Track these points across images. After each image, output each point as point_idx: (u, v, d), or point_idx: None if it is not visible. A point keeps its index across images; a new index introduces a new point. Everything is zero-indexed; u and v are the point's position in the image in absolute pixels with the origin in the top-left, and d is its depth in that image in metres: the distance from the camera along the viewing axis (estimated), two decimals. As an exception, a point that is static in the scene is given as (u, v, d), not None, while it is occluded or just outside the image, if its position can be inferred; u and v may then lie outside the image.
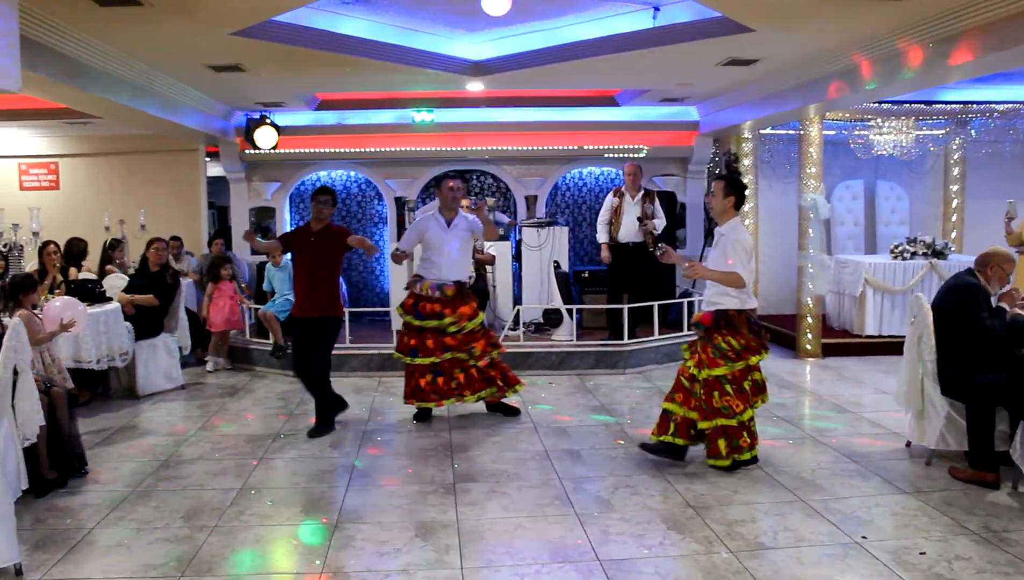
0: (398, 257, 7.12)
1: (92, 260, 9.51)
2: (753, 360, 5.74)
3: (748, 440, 5.72)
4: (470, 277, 8.71)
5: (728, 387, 5.67)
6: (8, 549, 4.09)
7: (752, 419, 5.78)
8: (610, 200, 9.37)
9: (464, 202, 9.36)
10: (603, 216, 9.39)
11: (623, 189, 9.31)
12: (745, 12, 6.30)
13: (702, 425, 5.72)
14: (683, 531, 4.70)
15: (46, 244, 8.29)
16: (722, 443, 5.67)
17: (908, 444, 6.22)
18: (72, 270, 8.78)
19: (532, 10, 7.10)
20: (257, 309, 9.50)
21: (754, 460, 5.83)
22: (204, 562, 4.36)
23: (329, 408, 6.89)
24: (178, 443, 6.59)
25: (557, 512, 5.02)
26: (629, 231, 9.18)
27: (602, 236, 9.37)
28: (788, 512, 4.98)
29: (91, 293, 7.80)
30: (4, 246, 7.90)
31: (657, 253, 6.19)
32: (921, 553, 4.35)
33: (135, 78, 7.88)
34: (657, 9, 6.69)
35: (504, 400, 7.37)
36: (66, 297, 7.01)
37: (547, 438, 6.64)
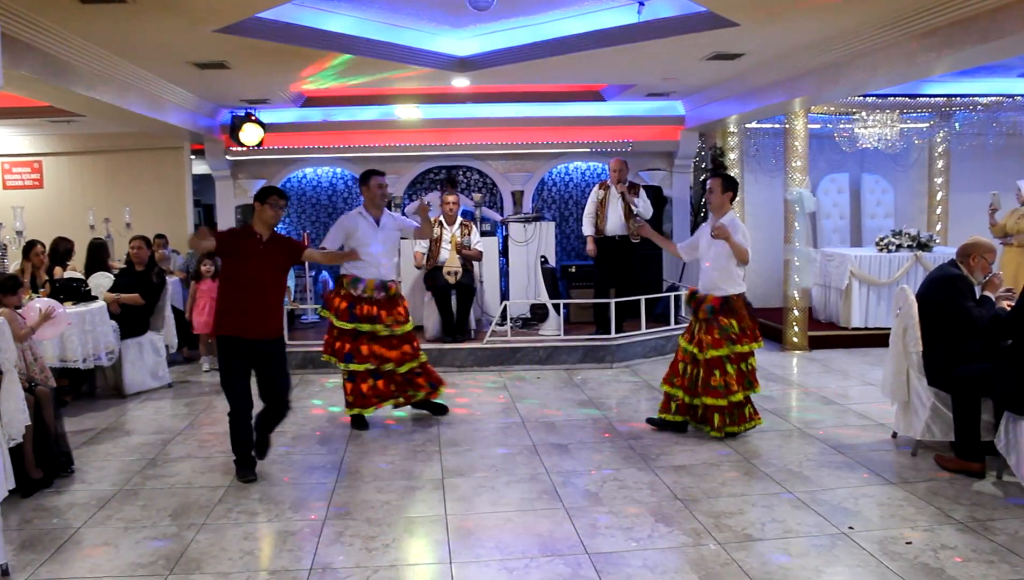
0: (334, 257, 6.75)
1: (78, 259, 9.46)
2: (748, 347, 6.30)
3: (745, 415, 6.38)
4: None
5: (729, 367, 6.24)
6: (-5, 549, 4.08)
7: (748, 399, 6.39)
8: (596, 193, 9.38)
9: (451, 198, 9.40)
10: (589, 209, 9.41)
11: (609, 182, 9.32)
12: (729, 6, 6.31)
13: (690, 400, 6.41)
14: (671, 524, 4.72)
15: (32, 244, 8.24)
16: (717, 418, 6.30)
17: (894, 435, 6.26)
18: (57, 269, 8.74)
19: (517, 5, 7.09)
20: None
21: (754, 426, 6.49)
22: (192, 560, 4.35)
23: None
24: (165, 441, 6.57)
25: (545, 506, 5.03)
26: (615, 224, 9.19)
27: (588, 229, 9.38)
28: (775, 504, 5.01)
29: (76, 292, 7.77)
30: None
31: (635, 224, 6.67)
32: (907, 543, 4.38)
33: (119, 76, 7.83)
34: (642, 4, 6.69)
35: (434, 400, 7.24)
36: (47, 298, 6.96)
37: (535, 433, 6.65)
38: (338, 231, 6.79)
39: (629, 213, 9.15)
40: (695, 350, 6.36)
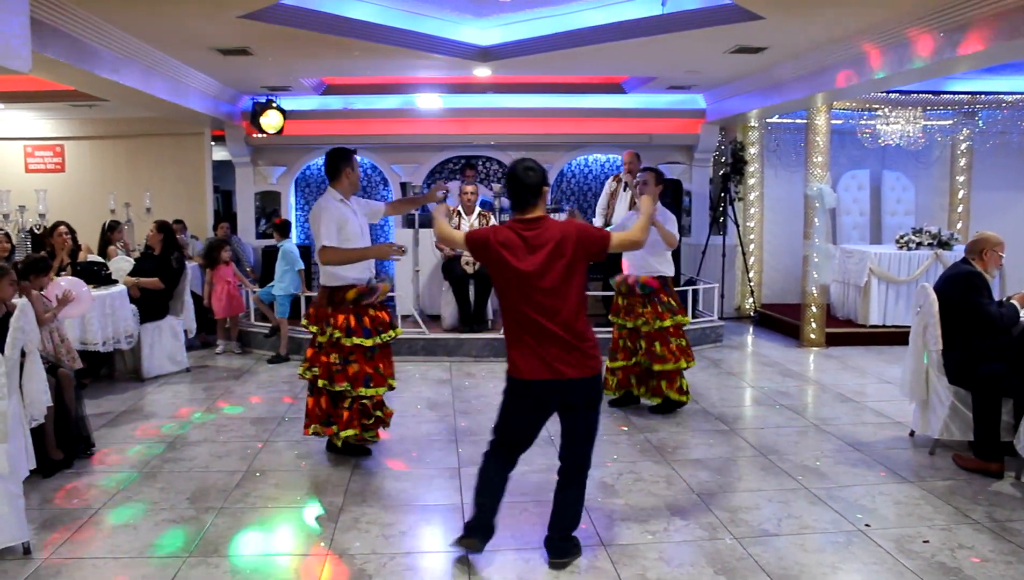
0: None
1: (93, 242, 9.52)
2: (683, 319, 6.90)
3: (684, 386, 6.94)
4: None
5: (670, 339, 6.77)
6: (17, 528, 4.13)
7: (682, 375, 6.94)
8: (609, 185, 9.39)
9: (469, 188, 9.40)
10: (602, 201, 9.42)
11: (621, 175, 9.32)
12: (755, -1, 6.29)
13: (657, 367, 6.79)
14: (687, 517, 4.72)
15: (56, 225, 8.29)
16: (664, 384, 6.85)
17: (912, 433, 6.23)
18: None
19: (540, -5, 7.10)
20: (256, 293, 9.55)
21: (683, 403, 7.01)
22: (210, 543, 4.38)
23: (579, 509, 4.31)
24: (183, 425, 6.61)
25: (562, 497, 5.03)
26: (622, 217, 9.17)
27: (598, 221, 9.38)
28: (792, 499, 5.00)
29: (97, 276, 7.82)
30: (20, 231, 7.91)
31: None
32: (924, 541, 4.37)
33: (143, 60, 7.87)
34: (666, -5, 6.68)
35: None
36: (71, 278, 7.03)
37: (551, 424, 6.56)
38: (332, 223, 5.38)
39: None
40: (639, 322, 6.81)
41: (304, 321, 5.87)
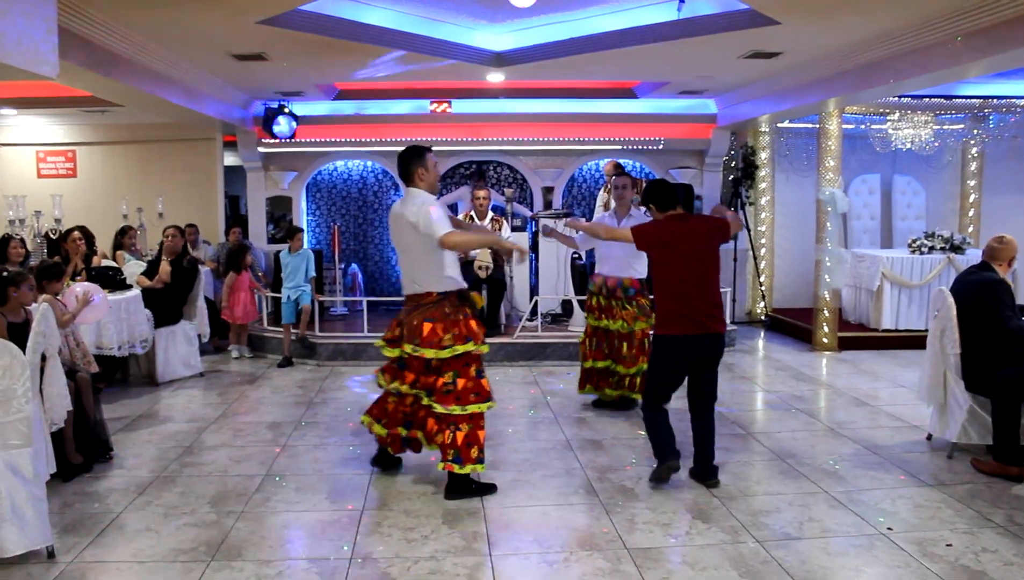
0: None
1: (106, 247, 9.54)
2: (650, 323, 6.82)
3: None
4: None
5: (635, 342, 6.92)
6: (41, 531, 4.14)
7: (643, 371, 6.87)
8: (601, 197, 9.43)
9: (481, 193, 9.42)
10: (598, 212, 9.44)
11: (610, 185, 9.36)
12: (772, 4, 6.29)
13: (621, 370, 6.98)
14: (709, 521, 4.71)
15: (70, 230, 8.32)
16: (627, 382, 6.99)
17: (929, 437, 6.22)
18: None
19: (555, 1, 7.08)
20: (276, 297, 9.56)
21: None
22: (233, 547, 4.39)
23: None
24: (200, 430, 6.62)
25: (582, 501, 5.04)
26: None
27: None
28: (812, 503, 4.99)
29: (112, 280, 7.84)
30: (35, 236, 7.94)
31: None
32: (948, 545, 4.36)
33: (159, 66, 7.90)
34: (683, 0, 6.66)
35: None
36: (87, 283, 7.04)
37: (568, 428, 6.65)
38: (441, 211, 4.98)
39: None
40: (618, 325, 6.93)
41: (420, 349, 5.02)
